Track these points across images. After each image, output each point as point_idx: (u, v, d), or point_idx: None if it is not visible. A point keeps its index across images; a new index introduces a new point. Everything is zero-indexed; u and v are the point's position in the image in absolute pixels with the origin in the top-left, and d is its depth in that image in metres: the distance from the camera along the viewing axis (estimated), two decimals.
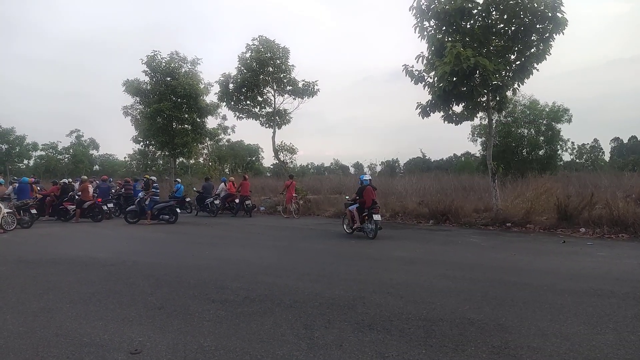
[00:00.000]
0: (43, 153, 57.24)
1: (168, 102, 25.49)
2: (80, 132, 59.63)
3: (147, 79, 26.55)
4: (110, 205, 18.29)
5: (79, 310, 5.33)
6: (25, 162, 55.42)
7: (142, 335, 4.48)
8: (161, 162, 40.36)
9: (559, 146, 36.81)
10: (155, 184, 18.00)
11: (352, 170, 60.38)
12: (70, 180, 20.68)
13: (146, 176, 25.40)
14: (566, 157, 44.14)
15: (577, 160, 59.31)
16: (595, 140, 68.99)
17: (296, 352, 4.03)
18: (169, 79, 26.02)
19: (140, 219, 16.68)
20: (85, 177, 19.67)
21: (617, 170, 30.30)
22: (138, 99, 27.27)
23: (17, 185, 17.22)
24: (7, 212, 14.29)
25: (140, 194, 17.06)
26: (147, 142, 28.09)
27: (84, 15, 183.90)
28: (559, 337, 4.34)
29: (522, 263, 8.39)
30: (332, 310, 5.25)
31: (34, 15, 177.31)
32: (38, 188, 19.62)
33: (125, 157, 54.87)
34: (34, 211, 15.88)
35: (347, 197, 13.82)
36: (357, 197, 12.43)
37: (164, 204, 17.35)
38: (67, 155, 58.46)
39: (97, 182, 20.39)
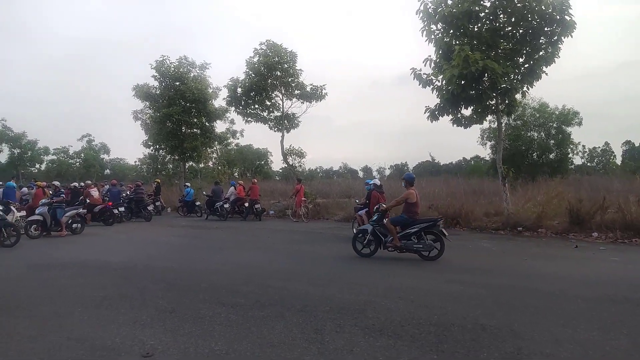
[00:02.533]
0: (54, 157, 57.77)
1: (177, 106, 25.65)
2: (92, 137, 60.15)
3: (156, 83, 26.78)
4: (122, 208, 18.41)
5: (91, 314, 5.36)
6: (37, 166, 55.96)
7: (154, 338, 4.50)
8: (171, 166, 40.48)
9: (569, 149, 36.55)
10: (61, 190, 16.72)
11: (360, 174, 60.52)
12: (82, 184, 20.83)
13: (157, 180, 25.64)
14: (577, 160, 43.78)
15: (588, 164, 58.87)
16: (607, 144, 68.30)
17: (307, 356, 4.03)
18: (178, 83, 26.20)
19: (47, 231, 13.67)
20: (89, 182, 19.82)
21: (629, 174, 29.94)
22: (148, 103, 27.49)
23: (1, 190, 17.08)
24: (19, 216, 14.44)
25: (42, 201, 14.03)
26: (157, 146, 28.28)
27: (95, 20, 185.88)
28: (572, 343, 4.29)
29: (534, 268, 8.32)
30: (343, 315, 5.23)
31: (45, 19, 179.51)
32: (50, 192, 19.80)
33: (135, 161, 55.18)
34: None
35: (356, 201, 13.80)
36: (367, 201, 12.41)
37: (73, 210, 14.60)
38: (78, 160, 58.94)
39: (107, 185, 20.50)
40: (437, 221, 9.31)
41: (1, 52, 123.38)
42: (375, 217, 9.82)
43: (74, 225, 14.05)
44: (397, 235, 9.24)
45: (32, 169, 54.49)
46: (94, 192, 17.62)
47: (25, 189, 18.36)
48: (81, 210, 14.79)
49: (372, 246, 9.59)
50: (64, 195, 16.14)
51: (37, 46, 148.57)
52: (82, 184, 19.84)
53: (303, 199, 18.97)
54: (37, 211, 13.13)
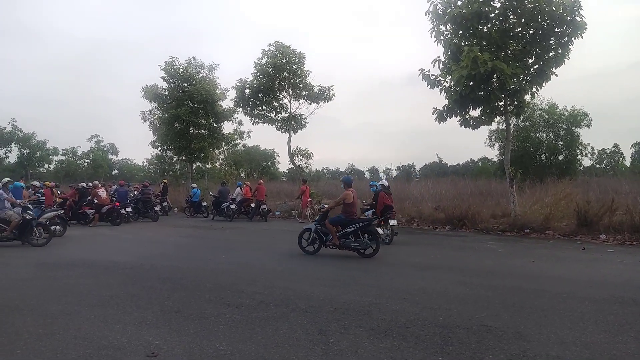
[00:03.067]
0: (63, 158, 58.30)
1: (185, 107, 25.78)
2: (100, 137, 60.63)
3: (165, 84, 26.95)
4: (129, 209, 18.51)
5: (97, 313, 5.39)
6: (46, 166, 56.49)
7: (159, 338, 4.52)
8: (178, 166, 40.73)
9: (578, 151, 36.36)
10: (40, 190, 16.43)
11: (367, 175, 60.33)
12: (90, 184, 20.96)
13: (164, 181, 25.76)
14: (586, 162, 43.54)
15: (597, 166, 58.38)
16: (616, 145, 67.63)
17: (311, 357, 4.03)
18: (186, 84, 26.35)
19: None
20: (97, 182, 19.96)
21: (638, 176, 29.63)
22: (156, 104, 27.66)
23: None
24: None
25: (18, 201, 12.96)
26: (165, 147, 28.44)
27: (105, 21, 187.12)
28: (579, 345, 4.26)
29: (541, 270, 8.27)
30: (348, 316, 5.23)
31: (54, 20, 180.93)
32: (58, 192, 19.99)
33: (143, 162, 55.65)
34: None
35: (363, 202, 13.79)
36: (374, 202, 12.41)
37: (52, 212, 13.55)
38: (86, 160, 59.43)
39: (115, 186, 20.61)
40: (372, 221, 10.04)
41: (12, 53, 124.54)
42: (318, 217, 10.47)
43: (53, 228, 13.03)
44: (337, 234, 9.81)
45: (41, 169, 54.99)
46: (102, 193, 17.71)
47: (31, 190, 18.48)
48: (60, 211, 14.60)
49: (316, 244, 10.12)
50: (40, 196, 16.23)
51: (46, 47, 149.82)
52: (90, 184, 19.93)
53: (309, 199, 18.96)
54: (10, 212, 11.99)
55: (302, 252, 10.10)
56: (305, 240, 10.23)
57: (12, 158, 51.28)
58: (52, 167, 57.92)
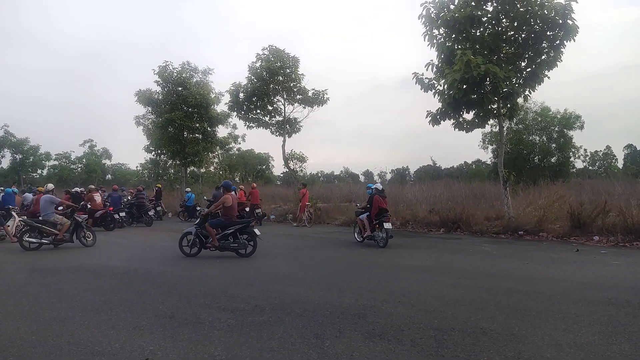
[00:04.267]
0: (56, 163, 57.91)
1: (179, 111, 25.69)
2: (93, 142, 60.34)
3: (159, 89, 26.86)
4: (123, 214, 18.42)
5: (91, 319, 5.36)
6: (39, 171, 56.08)
7: (153, 344, 4.50)
8: (172, 171, 40.60)
9: (571, 153, 36.60)
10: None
11: (362, 178, 60.56)
12: (82, 189, 20.87)
13: (158, 185, 25.68)
14: (579, 164, 43.92)
15: (589, 168, 58.85)
16: (608, 147, 68.29)
17: None
18: (180, 88, 26.25)
19: None
20: (93, 187, 19.87)
21: (630, 178, 29.91)
22: (150, 108, 27.58)
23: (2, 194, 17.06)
24: (20, 222, 14.47)
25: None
26: (159, 151, 28.40)
27: (96, 27, 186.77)
28: (573, 347, 4.28)
29: (535, 272, 8.30)
30: (343, 320, 5.22)
31: (48, 25, 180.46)
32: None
33: (137, 167, 55.43)
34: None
35: (357, 205, 13.81)
36: (368, 205, 12.43)
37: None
38: (80, 165, 59.11)
39: (103, 191, 20.47)
40: (249, 222, 10.66)
41: (4, 57, 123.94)
42: (198, 221, 10.86)
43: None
44: (216, 236, 10.26)
45: (34, 174, 54.61)
46: (97, 197, 17.63)
47: (30, 195, 18.37)
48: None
49: (197, 247, 10.47)
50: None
51: (40, 51, 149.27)
52: (82, 189, 19.82)
53: (307, 203, 18.96)
54: (58, 216, 12.63)
55: (183, 255, 10.38)
56: (187, 244, 10.50)
57: (5, 163, 50.99)
58: (45, 172, 57.53)
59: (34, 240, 11.79)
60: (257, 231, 10.49)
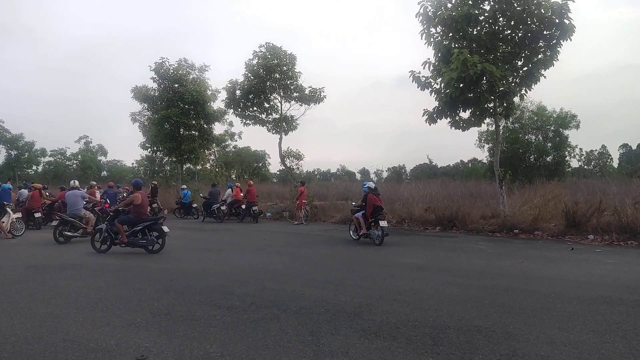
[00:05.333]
0: (52, 159, 57.79)
1: (176, 108, 25.69)
2: (89, 139, 60.24)
3: (155, 85, 26.84)
4: None
5: (86, 316, 5.35)
6: (34, 168, 55.89)
7: (149, 340, 4.49)
8: (168, 168, 40.57)
9: (566, 152, 36.77)
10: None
11: (358, 176, 60.46)
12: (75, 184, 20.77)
13: (154, 182, 25.61)
14: (574, 163, 44.03)
15: (585, 167, 59.05)
16: (604, 147, 68.52)
17: (302, 358, 4.02)
18: (176, 85, 26.25)
19: None
20: (94, 183, 19.82)
21: (625, 177, 30.06)
22: (146, 105, 27.53)
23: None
24: (15, 218, 14.41)
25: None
26: (155, 148, 28.32)
27: (92, 23, 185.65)
28: (568, 345, 4.30)
29: (530, 270, 8.33)
30: (338, 317, 5.23)
31: (44, 20, 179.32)
32: (47, 194, 19.77)
33: (133, 163, 55.34)
34: (38, 214, 16.33)
35: (353, 203, 13.81)
36: (363, 204, 12.43)
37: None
38: (75, 161, 58.98)
39: (98, 188, 20.38)
40: (157, 220, 10.96)
41: (2, 51, 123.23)
42: (108, 218, 11.29)
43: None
44: (126, 233, 10.61)
45: (29, 170, 54.40)
46: (97, 194, 17.68)
47: (25, 191, 18.30)
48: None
49: (107, 243, 10.73)
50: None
51: (36, 47, 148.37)
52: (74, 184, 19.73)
53: (304, 201, 18.97)
54: (85, 211, 13.57)
55: (95, 251, 10.63)
56: (97, 241, 10.80)
57: (0, 159, 50.73)
58: (40, 168, 57.36)
59: (69, 233, 12.62)
60: (165, 228, 10.84)
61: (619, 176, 33.41)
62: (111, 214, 11.22)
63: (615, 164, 69.06)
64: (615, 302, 5.86)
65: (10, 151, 49.95)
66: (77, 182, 15.03)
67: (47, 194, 19.92)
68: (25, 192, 18.06)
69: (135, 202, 10.75)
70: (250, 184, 20.72)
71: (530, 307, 5.63)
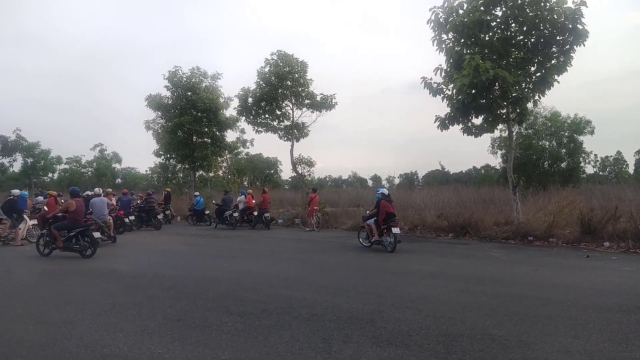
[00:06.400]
0: (67, 166, 58.41)
1: (188, 116, 25.95)
2: (104, 146, 60.84)
3: (168, 93, 27.15)
4: (132, 217, 18.54)
5: (100, 322, 5.40)
6: (50, 175, 56.57)
7: (161, 347, 4.52)
8: (181, 175, 40.81)
9: (581, 158, 36.33)
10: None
11: (370, 183, 60.37)
12: (91, 192, 21.01)
13: (167, 189, 25.80)
14: (589, 169, 43.50)
15: (600, 173, 58.32)
16: (619, 153, 67.62)
17: None
18: (189, 93, 26.52)
19: None
20: (110, 190, 19.99)
21: None
22: (160, 113, 27.82)
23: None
24: (32, 225, 14.62)
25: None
26: (168, 155, 28.55)
27: (108, 30, 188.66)
28: (583, 354, 4.24)
29: (545, 278, 8.23)
30: (350, 324, 5.21)
31: (59, 29, 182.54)
32: (62, 201, 19.99)
33: (146, 170, 55.87)
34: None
35: (367, 212, 13.73)
36: (375, 210, 12.39)
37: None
38: (90, 169, 59.59)
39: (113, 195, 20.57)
40: (89, 226, 11.66)
41: (18, 59, 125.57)
42: (47, 223, 11.71)
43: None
44: (62, 238, 11.11)
45: (45, 178, 55.07)
46: (113, 200, 17.83)
47: (40, 198, 18.56)
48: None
49: (49, 247, 11.35)
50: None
51: (52, 53, 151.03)
52: (94, 191, 19.96)
53: (315, 207, 18.96)
54: (108, 217, 14.46)
55: (39, 254, 11.32)
56: (41, 245, 11.50)
57: (17, 167, 51.43)
58: (56, 176, 58.05)
59: (105, 237, 13.58)
60: (97, 234, 11.55)
61: (635, 182, 32.88)
62: (50, 220, 11.74)
63: (631, 170, 68.02)
64: (632, 310, 5.76)
65: (26, 159, 50.61)
66: (100, 190, 16.16)
67: (62, 201, 20.14)
68: (40, 199, 18.30)
69: (70, 208, 11.28)
70: (265, 191, 20.78)
71: (545, 315, 5.56)
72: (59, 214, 11.65)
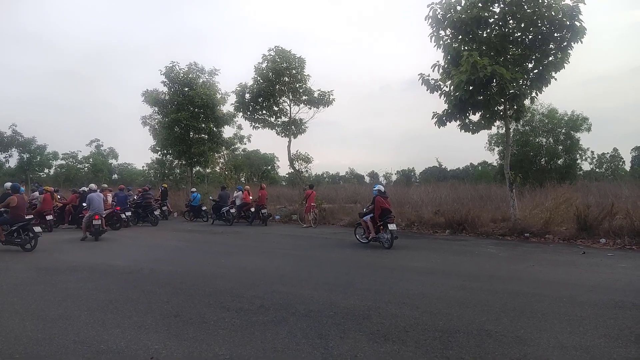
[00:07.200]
0: (63, 162, 58.18)
1: (185, 112, 25.85)
2: (100, 142, 60.64)
3: (165, 89, 27.01)
4: (128, 213, 18.50)
5: (97, 318, 5.39)
6: (46, 171, 56.34)
7: (158, 342, 4.52)
8: (178, 171, 40.74)
9: (578, 155, 36.37)
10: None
11: (367, 179, 60.22)
12: (87, 188, 20.98)
13: (164, 185, 25.76)
14: (585, 166, 43.46)
15: (596, 170, 58.38)
16: (615, 150, 67.66)
17: None
18: (186, 89, 26.38)
19: None
20: (105, 186, 19.97)
21: (638, 180, 29.65)
22: (156, 109, 27.68)
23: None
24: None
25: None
26: (165, 151, 28.44)
27: (103, 27, 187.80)
28: (579, 349, 4.26)
29: (541, 274, 8.26)
30: (347, 320, 5.22)
31: (55, 25, 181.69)
32: (58, 197, 19.97)
33: (143, 166, 55.71)
34: (49, 217, 16.67)
35: (365, 210, 13.74)
36: (371, 206, 12.40)
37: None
38: (86, 165, 59.39)
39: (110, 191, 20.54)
40: (30, 221, 12.01)
41: (14, 57, 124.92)
42: None
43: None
44: (5, 232, 11.47)
45: (41, 173, 54.86)
46: (109, 197, 17.80)
47: (36, 193, 18.52)
48: None
49: None
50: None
51: (49, 50, 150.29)
52: (88, 187, 19.95)
53: (312, 204, 18.96)
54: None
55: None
56: None
57: (12, 162, 51.21)
58: (52, 171, 57.77)
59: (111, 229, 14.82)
60: (37, 229, 11.76)
61: (631, 179, 32.92)
62: None
63: (628, 167, 68.19)
64: (627, 306, 5.79)
65: (22, 154, 50.38)
66: (95, 186, 16.13)
67: (58, 196, 20.12)
68: (37, 194, 18.27)
69: (12, 204, 11.60)
70: (263, 187, 20.77)
71: (541, 311, 5.58)
72: (1, 209, 11.85)
